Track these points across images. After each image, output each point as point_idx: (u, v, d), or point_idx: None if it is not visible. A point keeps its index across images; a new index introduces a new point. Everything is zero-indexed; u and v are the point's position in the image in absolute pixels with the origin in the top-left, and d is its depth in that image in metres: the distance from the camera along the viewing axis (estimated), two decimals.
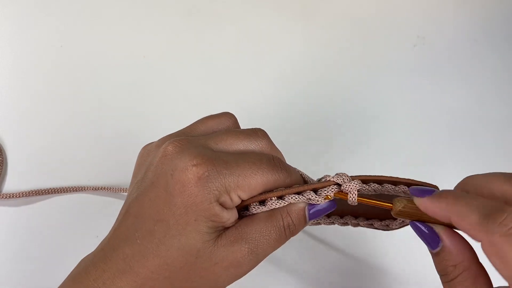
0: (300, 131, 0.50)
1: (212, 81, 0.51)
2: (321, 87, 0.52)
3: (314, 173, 0.47)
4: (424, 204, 0.24)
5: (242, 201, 0.26)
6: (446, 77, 0.54)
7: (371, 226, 0.33)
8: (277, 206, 0.26)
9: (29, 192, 0.42)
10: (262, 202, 0.26)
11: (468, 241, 0.24)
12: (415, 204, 0.25)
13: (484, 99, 0.53)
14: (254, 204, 0.26)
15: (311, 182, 0.27)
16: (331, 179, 0.27)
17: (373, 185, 0.28)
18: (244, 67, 0.52)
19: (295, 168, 0.28)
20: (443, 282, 0.24)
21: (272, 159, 0.26)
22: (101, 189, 0.43)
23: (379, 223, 0.32)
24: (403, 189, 0.27)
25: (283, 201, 0.26)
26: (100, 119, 0.48)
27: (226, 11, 0.55)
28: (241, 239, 0.25)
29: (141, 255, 0.24)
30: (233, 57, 0.53)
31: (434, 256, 0.25)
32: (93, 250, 0.27)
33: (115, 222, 0.28)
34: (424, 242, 0.25)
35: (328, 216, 0.33)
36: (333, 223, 0.34)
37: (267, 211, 0.26)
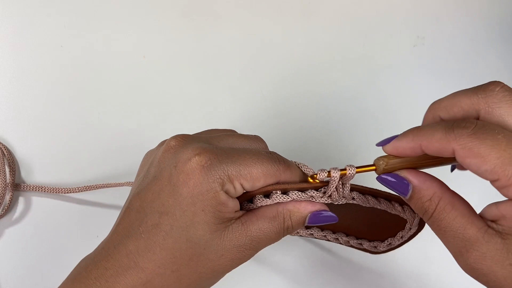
0: (300, 131, 0.50)
1: (212, 81, 0.51)
2: (321, 87, 0.52)
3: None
4: (394, 146, 0.25)
5: (245, 192, 0.26)
6: (446, 77, 0.54)
7: (360, 245, 0.35)
8: (281, 201, 0.27)
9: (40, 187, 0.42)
10: (267, 195, 0.27)
11: (433, 176, 0.26)
12: (395, 159, 0.26)
13: None
14: (259, 196, 0.27)
15: (308, 173, 0.28)
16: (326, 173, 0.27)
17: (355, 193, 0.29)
18: (244, 67, 0.52)
19: (293, 161, 0.28)
20: (427, 222, 0.25)
21: (270, 153, 0.27)
22: (103, 186, 0.42)
23: (368, 243, 0.34)
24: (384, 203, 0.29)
25: (287, 197, 0.27)
26: (99, 119, 0.48)
27: (226, 11, 0.55)
28: (246, 235, 0.26)
29: (146, 250, 0.24)
30: (233, 57, 0.53)
31: (409, 201, 0.26)
32: (93, 249, 0.27)
33: (116, 219, 0.27)
34: (396, 192, 0.26)
35: (322, 229, 0.35)
36: (325, 236, 0.35)
37: (270, 209, 0.27)
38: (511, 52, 0.56)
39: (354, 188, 0.29)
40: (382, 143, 0.27)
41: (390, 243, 0.33)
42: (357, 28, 0.56)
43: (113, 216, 0.43)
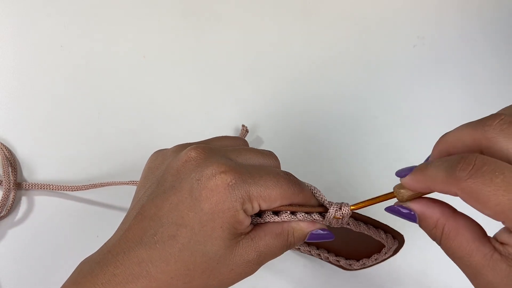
0: (300, 131, 0.50)
1: (212, 81, 0.51)
2: (320, 87, 0.52)
3: (313, 173, 0.47)
4: (407, 184, 0.25)
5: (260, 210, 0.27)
6: (446, 77, 0.54)
7: (337, 262, 0.38)
8: (288, 220, 0.29)
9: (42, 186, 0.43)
10: (276, 213, 0.29)
11: (437, 199, 0.25)
12: (410, 192, 0.26)
13: (484, 99, 0.53)
14: (269, 212, 0.28)
15: (319, 197, 0.30)
16: (332, 208, 0.29)
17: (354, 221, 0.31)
18: (244, 67, 0.52)
19: (305, 183, 0.29)
20: (441, 246, 0.25)
21: (287, 174, 0.28)
22: (108, 184, 0.42)
23: (344, 261, 0.38)
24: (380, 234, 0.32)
25: (294, 217, 0.29)
26: (99, 119, 0.48)
27: (226, 11, 0.55)
28: (255, 250, 0.27)
29: (160, 260, 0.24)
30: (233, 57, 0.53)
31: (423, 229, 0.26)
32: (93, 249, 0.27)
33: (123, 223, 0.27)
34: (408, 220, 0.26)
35: (308, 244, 0.39)
36: (310, 252, 0.39)
37: (276, 226, 0.29)
38: (511, 52, 0.56)
39: (359, 217, 0.31)
40: (401, 174, 0.26)
41: (364, 263, 0.36)
42: (357, 28, 0.56)
43: (115, 216, 0.44)
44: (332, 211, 0.29)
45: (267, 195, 0.26)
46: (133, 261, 0.24)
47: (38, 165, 0.45)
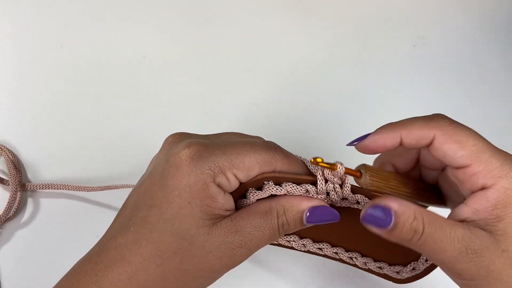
0: (300, 131, 0.50)
1: (212, 81, 0.51)
2: (320, 87, 0.52)
3: None
4: (373, 140, 0.26)
5: (241, 184, 0.25)
6: (445, 77, 0.54)
7: (380, 270, 0.31)
8: (274, 192, 0.26)
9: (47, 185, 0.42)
10: (260, 188, 0.26)
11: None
12: (375, 174, 0.26)
13: (484, 99, 0.53)
14: (251, 189, 0.26)
15: (310, 166, 0.26)
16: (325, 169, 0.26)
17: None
18: (244, 66, 0.52)
19: (296, 155, 0.27)
20: (418, 244, 0.24)
21: (267, 142, 0.26)
22: (107, 188, 0.42)
23: (388, 268, 0.30)
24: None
25: (280, 188, 0.25)
26: (99, 119, 0.48)
27: (226, 11, 0.55)
28: (235, 231, 0.25)
29: (133, 243, 0.24)
30: (233, 57, 0.53)
31: (394, 229, 0.24)
32: (84, 246, 0.27)
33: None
34: (376, 226, 0.24)
35: (332, 245, 0.31)
36: (336, 254, 0.31)
37: (263, 204, 0.26)
38: (511, 52, 0.56)
39: (358, 190, 0.26)
40: (357, 141, 0.27)
41: (414, 268, 0.29)
42: (357, 28, 0.56)
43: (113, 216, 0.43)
44: (323, 172, 0.25)
45: (239, 162, 0.24)
46: (111, 247, 0.24)
47: (41, 165, 0.45)
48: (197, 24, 0.54)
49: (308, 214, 0.26)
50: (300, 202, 0.26)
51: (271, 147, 0.26)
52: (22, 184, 0.42)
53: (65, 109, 0.48)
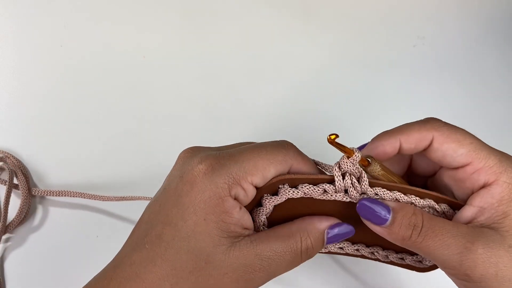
0: (299, 131, 0.50)
1: (212, 81, 0.51)
2: (320, 87, 0.52)
3: None
4: (373, 147, 0.26)
5: (257, 191, 0.25)
6: (446, 77, 0.54)
7: (402, 261, 0.30)
8: (291, 195, 0.25)
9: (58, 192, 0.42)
10: (275, 193, 0.25)
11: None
12: (381, 168, 0.25)
13: (484, 99, 0.53)
14: (266, 195, 0.25)
15: (324, 167, 0.26)
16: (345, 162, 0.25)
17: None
18: (244, 66, 0.52)
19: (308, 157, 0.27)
20: (417, 240, 0.24)
21: (278, 141, 0.26)
22: (123, 199, 0.42)
23: (410, 257, 0.29)
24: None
25: (297, 190, 0.25)
26: (99, 119, 0.48)
27: (226, 11, 0.55)
28: (255, 254, 0.24)
29: (148, 261, 0.24)
30: (233, 57, 0.53)
31: (392, 225, 0.24)
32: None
33: None
34: (372, 222, 0.25)
35: (353, 243, 0.30)
36: (358, 251, 0.30)
37: (284, 228, 0.25)
38: (511, 52, 0.56)
39: (375, 183, 0.26)
40: (365, 145, 0.27)
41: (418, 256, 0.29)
42: (357, 28, 0.56)
43: (113, 218, 0.43)
44: (343, 164, 0.24)
45: (252, 166, 0.23)
46: (126, 264, 0.24)
47: (43, 168, 0.45)
48: (197, 24, 0.54)
49: (328, 234, 0.26)
50: (319, 222, 0.26)
51: (284, 145, 0.25)
52: (36, 191, 0.42)
53: (64, 109, 0.48)
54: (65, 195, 0.42)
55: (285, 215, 0.26)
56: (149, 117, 0.49)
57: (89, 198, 0.42)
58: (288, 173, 0.25)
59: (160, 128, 0.48)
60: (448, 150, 0.25)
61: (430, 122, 0.26)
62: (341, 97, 0.52)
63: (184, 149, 0.27)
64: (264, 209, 0.25)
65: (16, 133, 0.46)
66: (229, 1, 0.55)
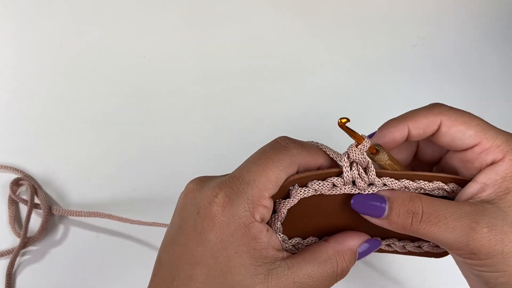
0: (299, 131, 0.50)
1: (211, 81, 0.51)
2: (320, 87, 0.52)
3: None
4: (381, 135, 0.26)
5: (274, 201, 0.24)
6: (446, 77, 0.54)
7: (419, 249, 0.29)
8: (303, 195, 0.24)
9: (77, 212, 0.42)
10: (287, 196, 0.25)
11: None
12: (388, 158, 0.25)
13: (484, 99, 0.53)
14: (278, 200, 0.24)
15: (330, 153, 0.25)
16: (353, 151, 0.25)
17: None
18: (244, 66, 0.52)
19: (311, 142, 0.26)
20: (419, 226, 0.24)
21: (276, 140, 0.25)
22: (141, 223, 0.42)
23: (426, 244, 0.29)
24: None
25: (307, 188, 0.24)
26: (99, 118, 0.48)
27: (226, 11, 0.55)
28: (294, 281, 0.23)
29: None
30: (233, 57, 0.53)
31: (390, 215, 0.24)
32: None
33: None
34: (371, 215, 0.25)
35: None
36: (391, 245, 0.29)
37: (320, 252, 0.24)
38: (511, 52, 0.56)
39: (383, 173, 0.25)
40: (374, 133, 0.27)
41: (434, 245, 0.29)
42: (357, 28, 0.56)
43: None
44: (352, 153, 0.24)
45: (265, 181, 0.23)
46: None
47: (35, 162, 0.45)
48: (197, 23, 0.54)
49: (360, 252, 0.26)
50: (352, 241, 0.26)
51: (285, 146, 0.24)
52: (57, 210, 0.42)
53: (64, 108, 0.48)
54: (94, 216, 0.42)
55: (299, 217, 0.26)
56: (148, 117, 0.49)
57: (118, 220, 0.42)
58: (297, 172, 0.24)
59: (160, 127, 0.48)
60: (457, 133, 0.25)
61: (436, 106, 0.26)
62: (341, 97, 0.52)
63: (191, 180, 0.26)
64: (279, 214, 0.25)
65: (13, 129, 0.46)
66: (229, 1, 0.55)
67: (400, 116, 0.27)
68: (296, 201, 0.24)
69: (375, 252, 0.29)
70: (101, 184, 0.45)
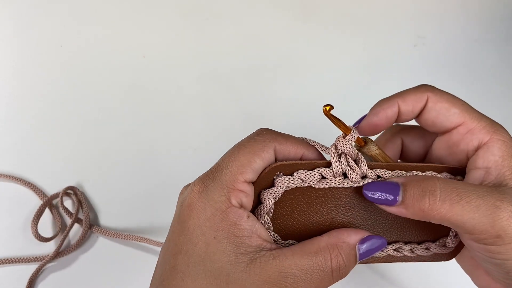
0: (299, 130, 0.49)
1: (211, 80, 0.51)
2: (320, 87, 0.52)
3: None
4: (374, 113, 0.26)
5: (254, 188, 0.23)
6: (446, 76, 0.54)
7: (427, 251, 0.28)
8: (287, 185, 0.23)
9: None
10: (272, 185, 0.24)
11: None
12: (379, 150, 0.25)
13: (484, 99, 0.53)
14: (262, 191, 0.23)
15: (315, 144, 0.25)
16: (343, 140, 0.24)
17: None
18: (244, 66, 0.52)
19: (303, 137, 0.26)
20: (435, 206, 0.22)
21: (258, 130, 0.25)
22: (145, 240, 0.41)
23: (433, 244, 0.27)
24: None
25: (292, 177, 0.23)
26: (99, 118, 0.48)
27: (226, 11, 0.55)
28: (279, 273, 0.21)
29: None
30: (233, 57, 0.53)
31: (405, 200, 0.23)
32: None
33: None
34: (382, 202, 0.23)
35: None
36: (382, 251, 0.27)
37: (310, 244, 0.23)
38: (511, 52, 0.56)
39: (375, 165, 0.25)
40: (358, 122, 0.27)
41: (456, 234, 0.27)
42: (357, 28, 0.56)
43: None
44: (339, 144, 0.23)
45: (238, 166, 0.22)
46: None
47: (34, 162, 0.45)
48: (197, 23, 0.54)
49: (360, 250, 0.24)
50: (348, 235, 0.24)
51: (258, 133, 0.24)
52: (96, 229, 0.42)
53: (63, 108, 0.48)
54: (121, 237, 0.42)
55: (290, 213, 0.25)
56: (148, 117, 0.49)
57: (144, 242, 0.42)
58: (277, 160, 0.24)
59: (160, 127, 0.48)
60: (442, 109, 0.26)
61: (424, 86, 0.28)
62: (341, 96, 0.52)
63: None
64: (265, 205, 0.24)
65: (13, 129, 0.46)
66: (229, 1, 0.55)
67: (389, 96, 0.27)
68: (281, 190, 0.23)
69: (386, 262, 0.27)
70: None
